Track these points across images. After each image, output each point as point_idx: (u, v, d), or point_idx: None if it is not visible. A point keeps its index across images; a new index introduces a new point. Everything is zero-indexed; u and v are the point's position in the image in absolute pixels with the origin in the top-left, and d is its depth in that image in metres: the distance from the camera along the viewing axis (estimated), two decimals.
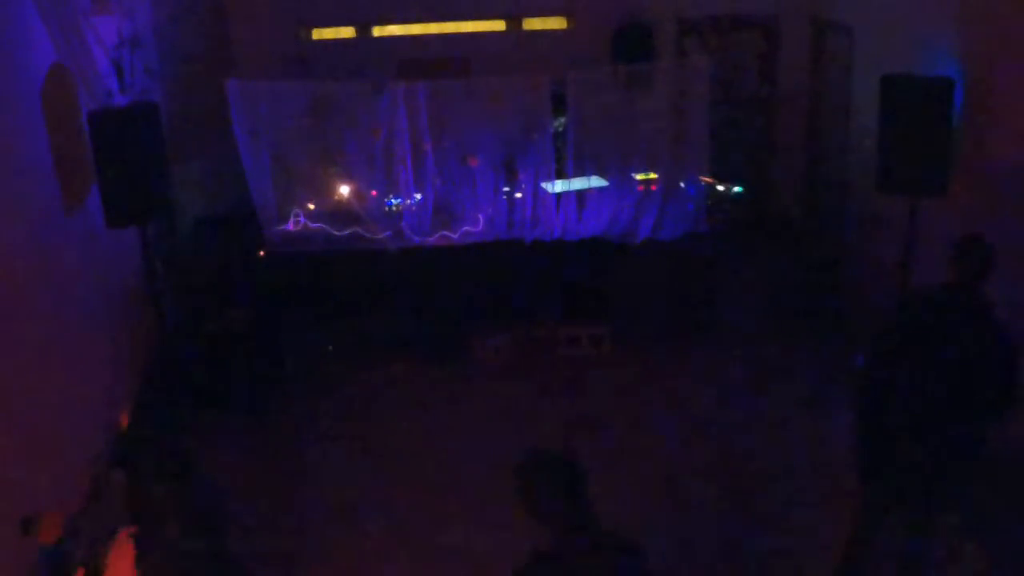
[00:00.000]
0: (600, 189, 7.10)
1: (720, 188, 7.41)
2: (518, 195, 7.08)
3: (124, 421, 5.96)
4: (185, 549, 3.28)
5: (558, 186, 7.06)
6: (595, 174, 7.12)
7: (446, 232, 7.09)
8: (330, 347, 7.16)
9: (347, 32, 8.56)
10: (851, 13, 7.44)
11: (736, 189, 7.52)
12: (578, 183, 7.07)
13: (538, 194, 7.02)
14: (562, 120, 6.97)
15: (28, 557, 3.99)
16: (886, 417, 4.02)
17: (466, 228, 7.10)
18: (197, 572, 3.35)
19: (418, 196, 7.00)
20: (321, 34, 8.52)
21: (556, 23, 8.62)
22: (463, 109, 6.88)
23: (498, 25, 8.58)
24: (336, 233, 7.03)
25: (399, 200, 7.04)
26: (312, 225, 7.07)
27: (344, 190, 7.14)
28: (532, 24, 8.62)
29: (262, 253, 7.01)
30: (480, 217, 7.09)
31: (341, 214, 7.08)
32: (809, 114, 8.51)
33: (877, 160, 5.83)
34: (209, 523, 3.45)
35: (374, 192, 7.04)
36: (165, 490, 3.32)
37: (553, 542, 2.73)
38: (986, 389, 3.84)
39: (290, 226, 7.08)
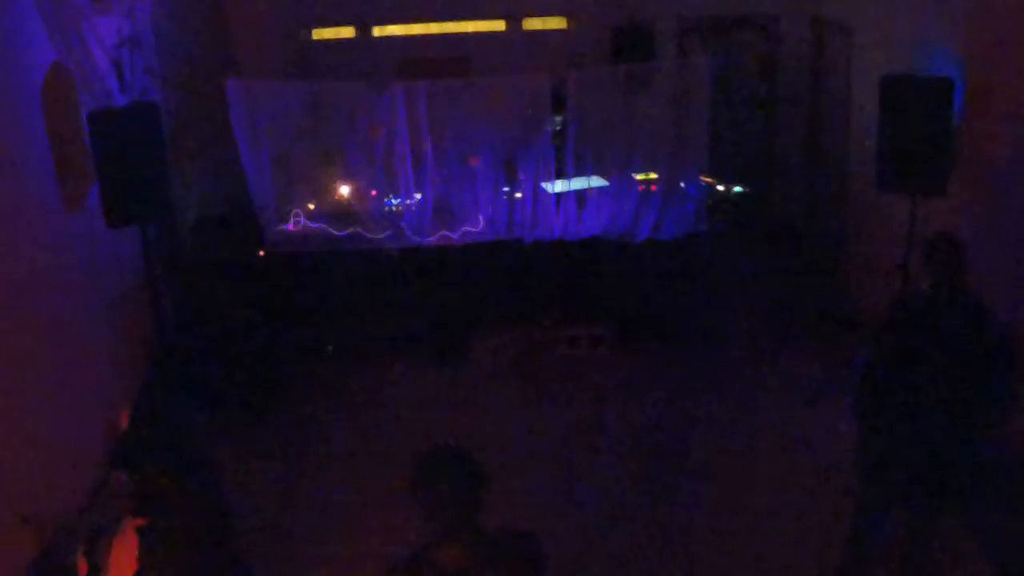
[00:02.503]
0: (600, 189, 7.10)
1: (720, 188, 7.41)
2: (518, 195, 7.07)
3: (124, 421, 5.96)
4: (190, 541, 3.31)
5: (558, 186, 7.06)
6: (595, 174, 7.12)
7: (446, 232, 7.09)
8: (330, 347, 7.16)
9: (347, 32, 8.57)
10: (851, 13, 7.44)
11: (736, 189, 7.52)
12: (578, 183, 7.07)
13: (538, 194, 7.01)
14: (562, 119, 6.97)
15: (27, 558, 4.00)
16: (886, 417, 4.02)
17: (466, 228, 7.09)
18: (202, 564, 3.36)
19: (418, 196, 7.00)
20: (321, 34, 8.54)
21: (556, 23, 8.64)
22: (463, 109, 6.88)
23: (498, 25, 8.59)
24: (336, 233, 7.03)
25: (399, 200, 7.04)
26: (312, 225, 7.08)
27: (344, 190, 7.14)
28: (532, 24, 8.64)
29: (262, 253, 7.01)
30: (480, 217, 7.09)
31: (341, 214, 7.09)
32: (809, 114, 8.51)
33: (877, 160, 5.84)
34: (214, 517, 3.48)
35: (374, 192, 7.04)
36: (171, 483, 3.34)
37: (428, 543, 2.71)
38: (984, 388, 3.84)
39: (290, 226, 7.08)
